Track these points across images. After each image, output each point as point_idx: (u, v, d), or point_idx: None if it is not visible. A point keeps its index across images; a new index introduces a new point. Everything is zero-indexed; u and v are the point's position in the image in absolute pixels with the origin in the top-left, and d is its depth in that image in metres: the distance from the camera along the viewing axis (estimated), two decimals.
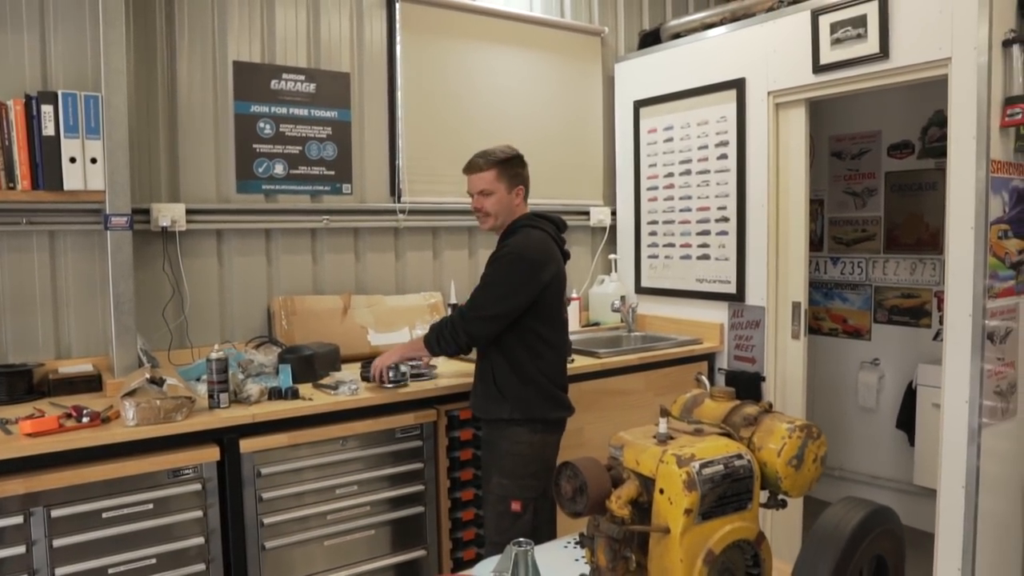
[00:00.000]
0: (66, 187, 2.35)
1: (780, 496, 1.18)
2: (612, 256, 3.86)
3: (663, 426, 1.12)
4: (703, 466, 1.04)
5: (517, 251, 2.31)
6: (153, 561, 2.09)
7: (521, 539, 1.28)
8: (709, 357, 3.43)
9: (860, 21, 2.77)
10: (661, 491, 1.05)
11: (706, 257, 3.47)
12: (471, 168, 2.40)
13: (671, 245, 3.63)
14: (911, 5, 2.63)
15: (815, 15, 2.91)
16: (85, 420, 2.05)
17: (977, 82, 2.43)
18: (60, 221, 2.55)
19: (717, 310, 3.42)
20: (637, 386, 3.12)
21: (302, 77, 3.02)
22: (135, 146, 2.62)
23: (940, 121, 3.64)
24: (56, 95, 2.32)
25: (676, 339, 3.42)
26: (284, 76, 2.99)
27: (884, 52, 2.71)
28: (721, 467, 1.06)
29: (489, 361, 2.38)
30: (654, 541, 1.07)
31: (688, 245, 3.55)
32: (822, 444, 1.16)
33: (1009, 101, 2.44)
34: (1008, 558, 2.70)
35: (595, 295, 3.81)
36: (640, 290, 3.81)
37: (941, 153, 2.66)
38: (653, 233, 3.73)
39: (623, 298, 3.70)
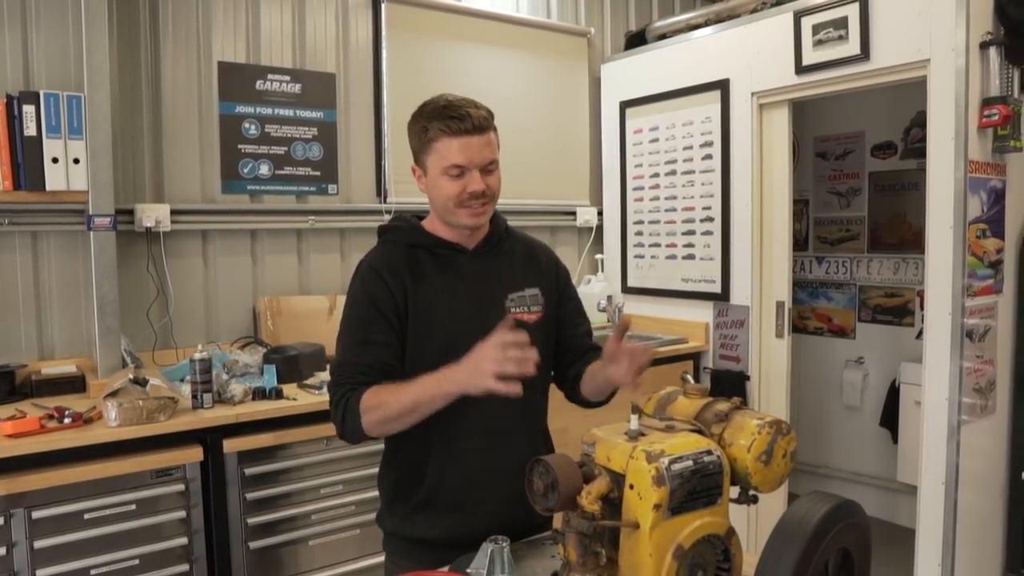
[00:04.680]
0: (48, 187, 2.34)
1: (751, 492, 1.19)
2: (598, 256, 3.87)
3: (634, 423, 1.14)
4: (672, 462, 1.06)
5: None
6: (136, 562, 2.09)
7: (497, 536, 1.29)
8: (695, 356, 3.46)
9: (841, 23, 2.79)
10: (631, 487, 1.06)
11: (691, 257, 3.49)
12: (477, 126, 1.44)
13: (657, 245, 3.65)
14: (891, 7, 2.66)
15: (797, 17, 2.93)
16: (67, 421, 2.05)
17: (955, 83, 2.46)
18: (42, 222, 2.55)
19: (702, 309, 3.44)
20: None
21: (287, 77, 3.03)
22: (119, 147, 2.62)
23: (922, 122, 3.64)
24: (38, 95, 2.32)
25: (662, 338, 3.44)
26: (269, 76, 2.99)
27: (865, 53, 2.73)
28: (690, 463, 1.07)
29: (541, 428, 1.67)
30: (624, 536, 1.08)
31: (674, 245, 3.57)
32: (792, 440, 1.18)
33: (986, 102, 2.47)
34: (987, 553, 2.73)
35: (582, 295, 3.74)
36: (626, 290, 3.83)
37: (923, 153, 2.68)
38: (639, 233, 3.74)
39: (609, 298, 3.72)
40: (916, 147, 3.79)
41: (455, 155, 1.43)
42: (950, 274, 2.50)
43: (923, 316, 2.66)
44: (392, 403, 1.36)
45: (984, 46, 2.46)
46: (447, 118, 1.43)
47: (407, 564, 1.49)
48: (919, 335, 3.74)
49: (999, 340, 2.66)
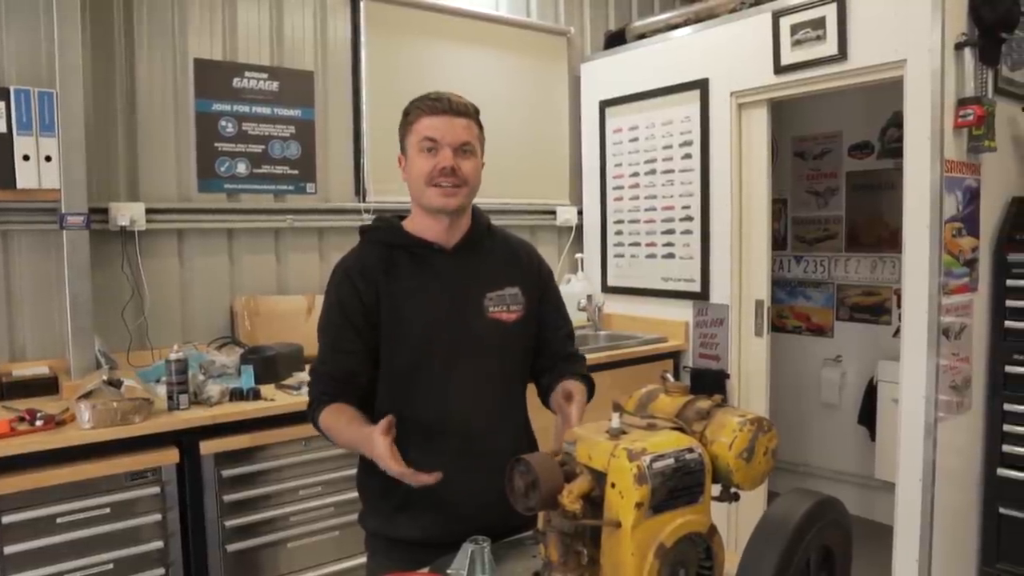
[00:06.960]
0: (19, 186, 2.29)
1: (733, 489, 1.19)
2: (578, 255, 3.87)
3: (616, 421, 1.13)
4: (654, 460, 1.05)
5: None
6: (111, 567, 2.05)
7: (478, 536, 1.28)
8: (674, 355, 3.47)
9: (819, 23, 2.81)
10: (612, 485, 1.05)
11: (671, 256, 3.50)
12: (454, 109, 1.49)
13: (637, 244, 3.66)
14: (868, 8, 2.68)
15: (776, 17, 2.95)
16: (39, 423, 2.01)
17: (931, 84, 2.49)
18: (13, 220, 2.49)
19: (682, 308, 3.45)
20: (603, 385, 3.11)
21: (265, 75, 2.99)
22: (92, 144, 2.56)
23: (898, 122, 3.68)
24: (8, 91, 2.27)
25: (642, 337, 3.44)
26: (246, 74, 2.95)
27: (843, 53, 2.76)
28: (672, 461, 1.07)
29: (523, 424, 1.69)
30: (606, 535, 1.07)
31: (653, 244, 3.58)
32: (773, 437, 1.17)
33: (961, 102, 2.50)
34: (963, 549, 2.76)
35: (562, 294, 3.81)
36: (606, 289, 3.83)
37: (900, 153, 2.71)
38: (619, 232, 3.75)
39: (589, 297, 3.72)
40: (892, 147, 3.83)
41: (429, 129, 1.48)
42: (926, 273, 2.53)
43: (900, 314, 2.68)
44: (338, 435, 1.46)
45: (959, 47, 2.50)
46: (428, 100, 1.51)
47: (389, 564, 1.49)
48: (896, 333, 3.78)
49: (974, 338, 2.69)
